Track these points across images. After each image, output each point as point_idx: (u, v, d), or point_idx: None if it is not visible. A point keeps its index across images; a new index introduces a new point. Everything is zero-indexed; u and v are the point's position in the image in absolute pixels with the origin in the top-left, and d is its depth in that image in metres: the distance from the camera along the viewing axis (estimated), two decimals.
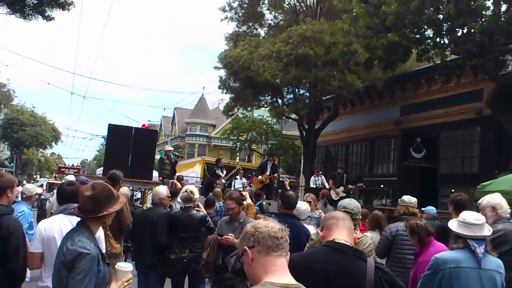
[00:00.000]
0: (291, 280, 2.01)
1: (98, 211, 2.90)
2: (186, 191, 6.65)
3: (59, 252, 2.87)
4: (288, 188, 12.74)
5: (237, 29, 23.16)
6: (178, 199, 8.44)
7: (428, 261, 4.46)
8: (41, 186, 28.36)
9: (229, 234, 5.24)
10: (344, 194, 12.78)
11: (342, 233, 2.64)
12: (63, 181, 6.20)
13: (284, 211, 5.19)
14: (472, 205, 7.78)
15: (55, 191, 6.39)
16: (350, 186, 14.09)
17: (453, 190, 11.13)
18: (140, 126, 16.07)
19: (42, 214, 7.10)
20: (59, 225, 3.71)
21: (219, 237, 5.43)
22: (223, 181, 14.31)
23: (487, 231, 3.57)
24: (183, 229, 6.24)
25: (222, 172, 14.91)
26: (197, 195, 6.76)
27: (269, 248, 2.01)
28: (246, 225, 5.12)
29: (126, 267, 3.01)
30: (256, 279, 2.03)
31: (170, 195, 7.07)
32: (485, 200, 4.73)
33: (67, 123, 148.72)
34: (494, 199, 4.67)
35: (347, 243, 2.57)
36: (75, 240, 2.79)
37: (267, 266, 2.00)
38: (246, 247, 2.06)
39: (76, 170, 33.22)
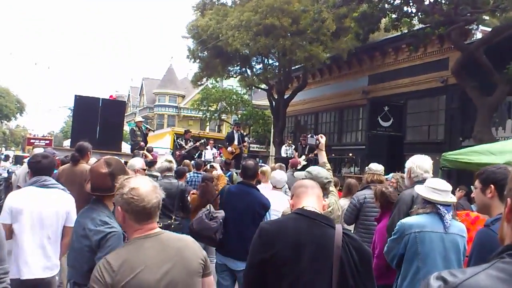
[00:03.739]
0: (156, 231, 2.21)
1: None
2: (165, 160, 6.72)
3: (79, 236, 2.81)
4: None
5: None
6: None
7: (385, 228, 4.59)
8: (7, 158, 27.24)
9: None
10: (305, 163, 12.87)
11: (311, 201, 2.66)
12: (33, 153, 6.04)
13: (243, 180, 5.21)
14: (437, 171, 8.03)
15: (25, 164, 6.25)
16: (311, 155, 14.22)
17: None
18: (107, 97, 15.73)
19: (8, 187, 6.93)
20: (28, 197, 3.73)
21: None
22: (183, 152, 14.16)
23: (454, 197, 3.67)
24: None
25: (187, 144, 14.74)
26: (175, 164, 6.79)
27: (139, 219, 2.15)
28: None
29: None
30: (127, 233, 2.26)
31: (145, 168, 6.99)
32: (407, 162, 4.45)
33: (32, 94, 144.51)
34: (413, 162, 4.36)
35: (316, 210, 2.61)
36: (96, 220, 2.73)
37: (137, 229, 2.17)
38: (119, 207, 2.16)
39: (48, 141, 30.67)
